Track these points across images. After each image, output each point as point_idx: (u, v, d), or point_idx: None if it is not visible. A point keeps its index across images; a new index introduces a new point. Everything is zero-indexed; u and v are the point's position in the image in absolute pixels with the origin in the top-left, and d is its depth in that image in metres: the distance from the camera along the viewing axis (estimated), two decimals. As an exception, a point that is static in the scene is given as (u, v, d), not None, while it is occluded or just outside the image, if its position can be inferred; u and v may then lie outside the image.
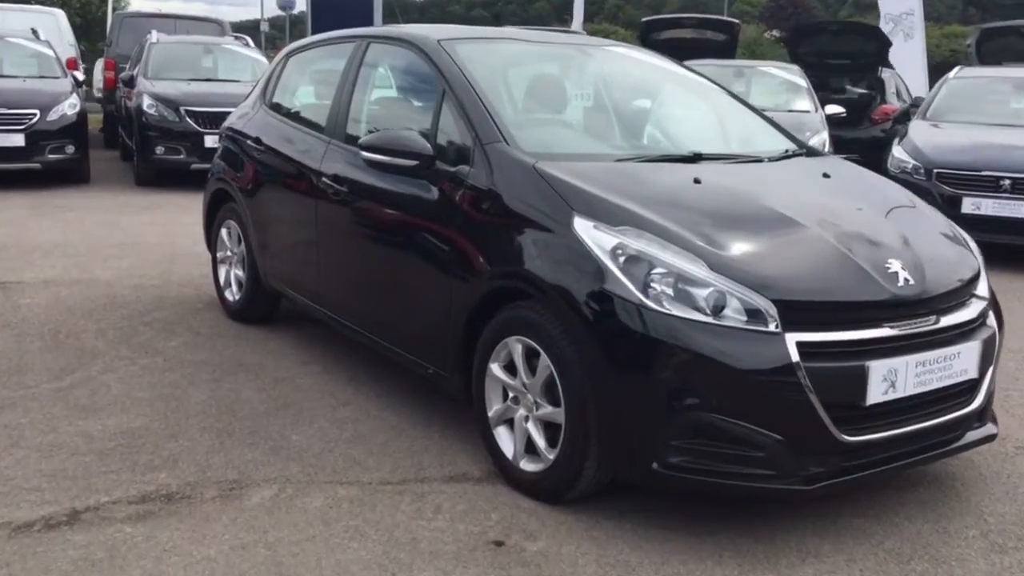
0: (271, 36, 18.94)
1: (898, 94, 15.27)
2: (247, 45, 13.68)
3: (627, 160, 3.81)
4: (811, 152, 4.38)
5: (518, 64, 4.50)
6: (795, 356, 2.96)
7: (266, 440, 3.92)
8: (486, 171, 3.63)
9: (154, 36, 12.65)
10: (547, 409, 3.36)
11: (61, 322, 5.53)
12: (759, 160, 4.10)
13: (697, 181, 3.57)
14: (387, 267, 4.15)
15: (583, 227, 3.24)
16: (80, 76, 12.89)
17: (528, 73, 4.45)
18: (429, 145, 3.82)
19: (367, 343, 4.41)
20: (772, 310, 3.00)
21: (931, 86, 12.15)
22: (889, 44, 14.35)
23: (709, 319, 3.00)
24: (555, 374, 3.27)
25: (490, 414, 3.62)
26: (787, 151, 4.29)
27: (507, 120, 3.80)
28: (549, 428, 3.39)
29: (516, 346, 3.44)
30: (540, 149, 3.70)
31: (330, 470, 3.66)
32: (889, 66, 15.02)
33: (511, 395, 3.53)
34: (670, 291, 3.05)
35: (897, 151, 8.81)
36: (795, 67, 12.07)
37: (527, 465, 3.47)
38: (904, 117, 12.71)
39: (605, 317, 3.10)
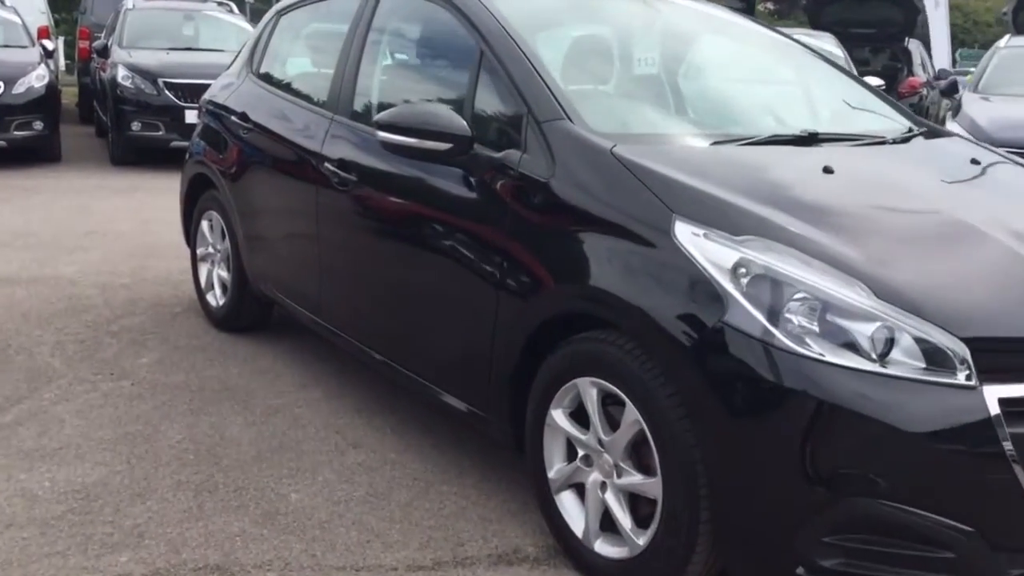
0: (256, 9, 17.86)
1: (923, 66, 14.45)
2: (231, 12, 12.69)
3: (725, 142, 2.95)
4: (932, 131, 3.52)
5: (574, 19, 3.62)
6: (996, 416, 2.12)
7: (257, 501, 3.07)
8: (544, 157, 2.77)
9: (129, 2, 11.66)
10: (634, 477, 2.52)
11: (12, 332, 4.66)
12: (883, 141, 3.24)
13: (828, 171, 2.72)
14: (408, 276, 3.29)
15: (688, 236, 2.39)
16: (51, 46, 11.87)
17: (586, 31, 3.57)
18: (465, 123, 2.95)
19: (380, 370, 3.57)
20: (963, 352, 2.16)
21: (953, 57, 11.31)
22: (918, 12, 13.49)
23: (873, 365, 2.16)
24: (647, 432, 2.44)
25: (551, 475, 2.78)
26: (910, 129, 3.44)
27: (568, 91, 2.93)
28: (637, 501, 2.55)
29: (589, 390, 2.60)
30: (614, 129, 2.85)
31: (342, 548, 2.82)
32: (915, 36, 14.19)
33: (581, 453, 2.69)
34: (815, 325, 2.20)
35: (953, 126, 7.99)
36: (828, 35, 11.19)
37: (604, 548, 2.64)
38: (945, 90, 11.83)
39: (722, 360, 2.26)
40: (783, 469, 2.21)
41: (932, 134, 3.48)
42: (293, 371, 4.22)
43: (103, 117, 11.63)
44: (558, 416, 2.73)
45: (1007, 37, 10.00)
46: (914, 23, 13.55)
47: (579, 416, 2.71)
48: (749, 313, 2.24)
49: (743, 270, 2.29)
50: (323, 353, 4.37)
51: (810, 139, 3.02)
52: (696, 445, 2.35)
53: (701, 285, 2.33)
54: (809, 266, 2.28)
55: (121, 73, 10.15)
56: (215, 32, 11.55)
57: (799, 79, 3.73)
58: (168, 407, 3.80)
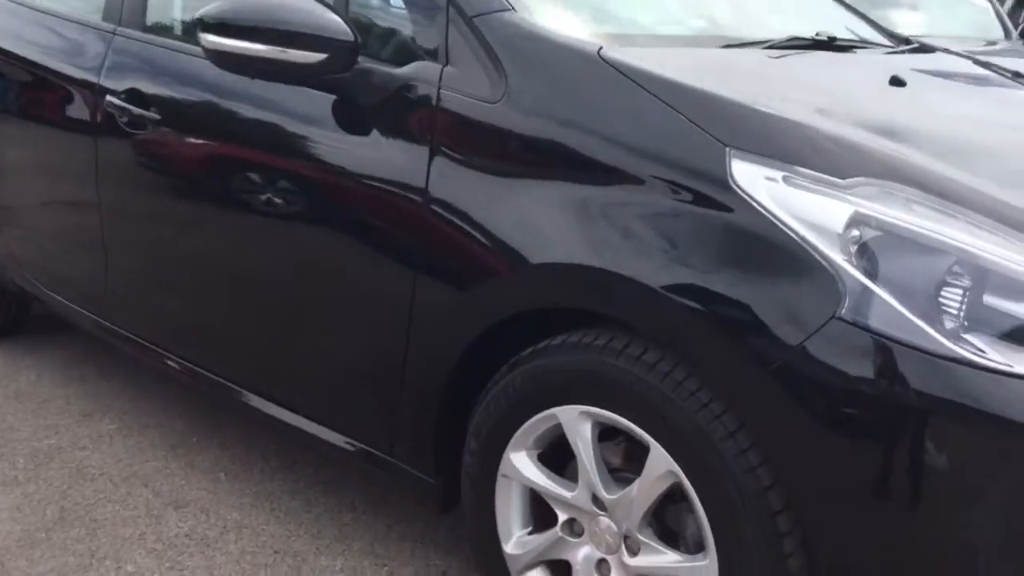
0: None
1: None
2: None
3: (740, 46, 2.07)
4: (921, 45, 2.80)
5: None
6: None
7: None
8: (482, 70, 1.80)
9: None
10: (664, 556, 1.64)
11: None
12: (896, 50, 2.48)
13: (898, 82, 1.91)
14: (253, 259, 2.22)
15: (757, 181, 1.51)
16: None
17: None
18: (342, 22, 1.92)
19: (208, 393, 2.49)
20: None
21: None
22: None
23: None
24: (690, 490, 1.56)
25: (508, 548, 1.85)
26: (897, 43, 2.70)
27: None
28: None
29: (579, 426, 1.69)
30: (584, 27, 1.91)
31: None
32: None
33: (563, 516, 1.78)
34: (988, 315, 1.39)
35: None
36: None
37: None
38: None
39: (838, 383, 1.40)
40: (948, 546, 1.39)
41: (921, 48, 2.75)
42: (69, 394, 3.02)
43: None
44: (520, 462, 1.80)
45: None
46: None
47: (552, 461, 1.80)
48: (885, 302, 1.39)
49: (859, 232, 1.44)
50: (110, 365, 3.19)
51: (829, 43, 2.20)
52: (780, 512, 1.49)
53: (788, 259, 1.46)
54: (961, 220, 1.46)
55: None
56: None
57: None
58: None
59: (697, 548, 1.64)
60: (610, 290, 1.63)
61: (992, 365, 1.35)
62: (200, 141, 2.31)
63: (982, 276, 1.42)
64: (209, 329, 2.43)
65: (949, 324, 1.38)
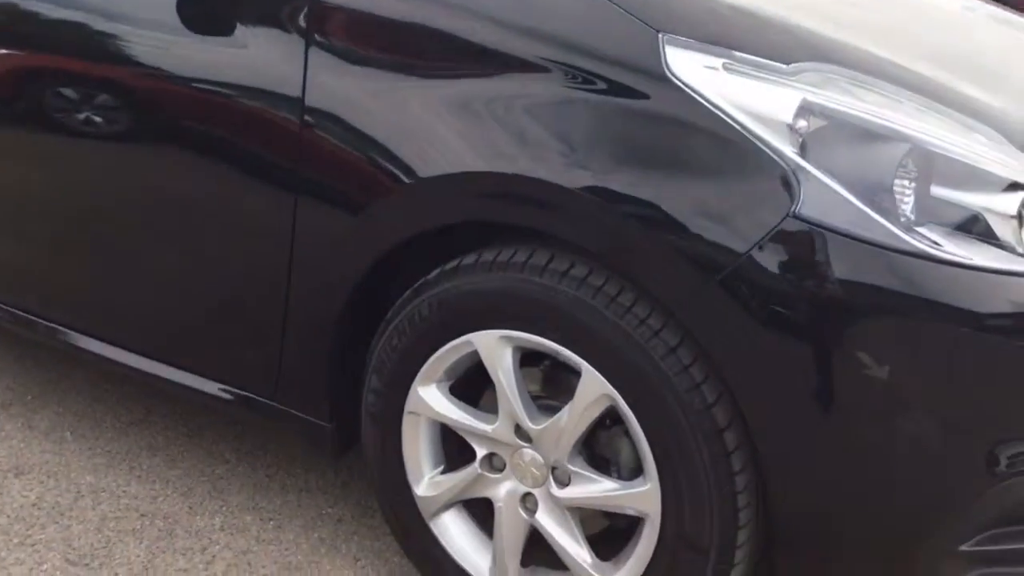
0: None
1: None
2: None
3: None
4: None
5: None
6: None
7: None
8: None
9: None
10: (598, 484, 1.52)
11: None
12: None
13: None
14: (98, 190, 1.91)
15: (694, 70, 1.36)
16: None
17: None
18: None
19: (50, 342, 2.17)
20: None
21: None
22: None
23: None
24: (628, 414, 1.44)
25: (419, 490, 1.69)
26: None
27: None
28: (592, 520, 1.57)
29: (498, 351, 1.53)
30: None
31: None
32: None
33: (482, 452, 1.62)
34: (936, 207, 1.32)
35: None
36: None
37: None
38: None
39: (795, 286, 1.30)
40: (911, 447, 1.32)
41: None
42: None
43: None
44: (430, 396, 1.63)
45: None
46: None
47: (463, 391, 1.64)
48: (840, 197, 1.29)
49: (807, 122, 1.33)
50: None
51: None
52: (726, 428, 1.39)
53: (734, 155, 1.33)
54: (908, 106, 1.37)
55: None
56: None
57: None
58: None
59: (631, 474, 1.53)
60: (526, 199, 1.46)
61: (950, 258, 1.28)
62: (19, 53, 1.96)
63: (929, 165, 1.34)
64: (47, 270, 2.10)
65: (903, 217, 1.30)
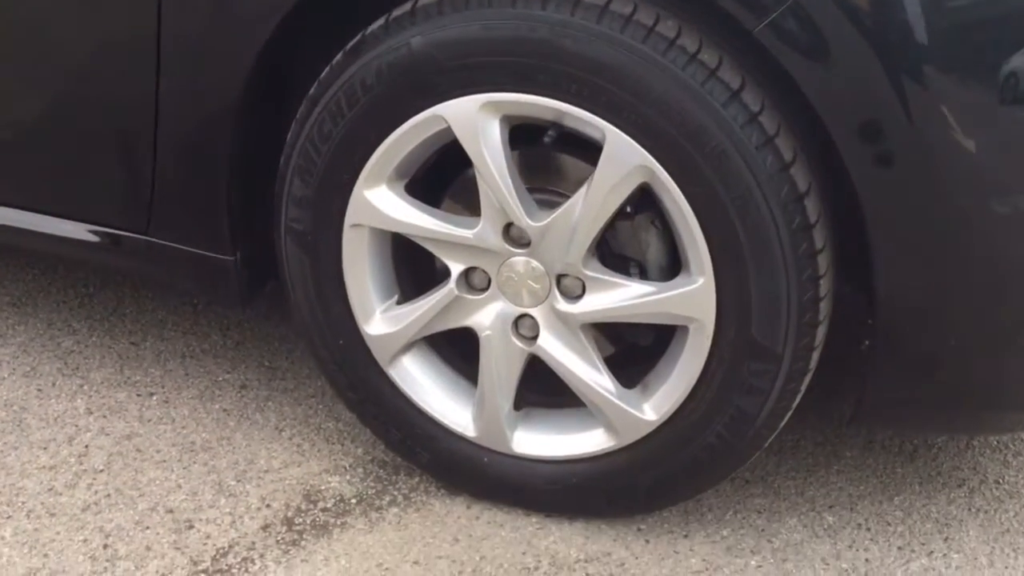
0: None
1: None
2: None
3: None
4: None
5: None
6: None
7: None
8: None
9: None
10: (625, 289, 1.16)
11: None
12: None
13: None
14: None
15: None
16: None
17: None
18: None
19: None
20: None
21: None
22: None
23: None
24: (677, 197, 1.08)
25: (369, 328, 1.28)
26: None
27: None
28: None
29: (481, 125, 1.12)
30: None
31: None
32: None
33: (458, 268, 1.22)
34: None
35: None
36: None
37: (542, 443, 1.28)
38: None
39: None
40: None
41: None
42: None
43: None
44: (382, 200, 1.20)
45: None
46: None
47: (430, 193, 1.24)
48: None
49: None
50: None
51: None
52: (807, 194, 1.06)
53: None
54: None
55: None
56: None
57: None
58: None
59: (662, 274, 1.18)
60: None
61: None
62: None
63: None
64: None
65: None
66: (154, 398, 1.53)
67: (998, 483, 1.42)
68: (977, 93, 1.00)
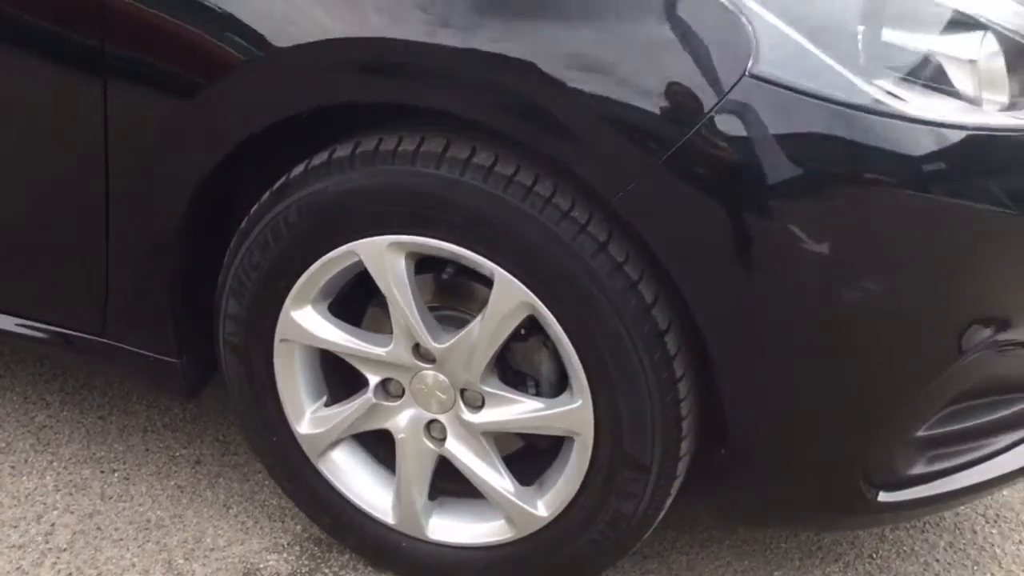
0: None
1: None
2: None
3: None
4: None
5: None
6: None
7: None
8: None
9: None
10: (519, 405, 1.31)
11: None
12: None
13: None
14: None
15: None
16: None
17: None
18: None
19: None
20: None
21: None
22: None
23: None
24: (553, 324, 1.22)
25: (301, 429, 1.43)
26: None
27: None
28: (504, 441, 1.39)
29: (389, 261, 1.27)
30: None
31: None
32: None
33: (375, 379, 1.37)
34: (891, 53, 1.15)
35: None
36: None
37: (449, 530, 1.44)
38: None
39: (750, 159, 1.10)
40: (875, 326, 1.17)
41: None
42: None
43: None
44: (307, 319, 1.36)
45: None
46: None
47: (341, 310, 1.39)
48: (804, 50, 1.08)
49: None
50: None
51: None
52: (667, 330, 1.21)
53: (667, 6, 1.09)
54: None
55: None
56: None
57: None
58: None
59: (553, 390, 1.33)
60: (414, 69, 1.18)
61: (918, 115, 1.10)
62: None
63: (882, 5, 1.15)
64: None
65: (866, 69, 1.11)
66: (116, 475, 1.68)
67: (872, 558, 1.57)
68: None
